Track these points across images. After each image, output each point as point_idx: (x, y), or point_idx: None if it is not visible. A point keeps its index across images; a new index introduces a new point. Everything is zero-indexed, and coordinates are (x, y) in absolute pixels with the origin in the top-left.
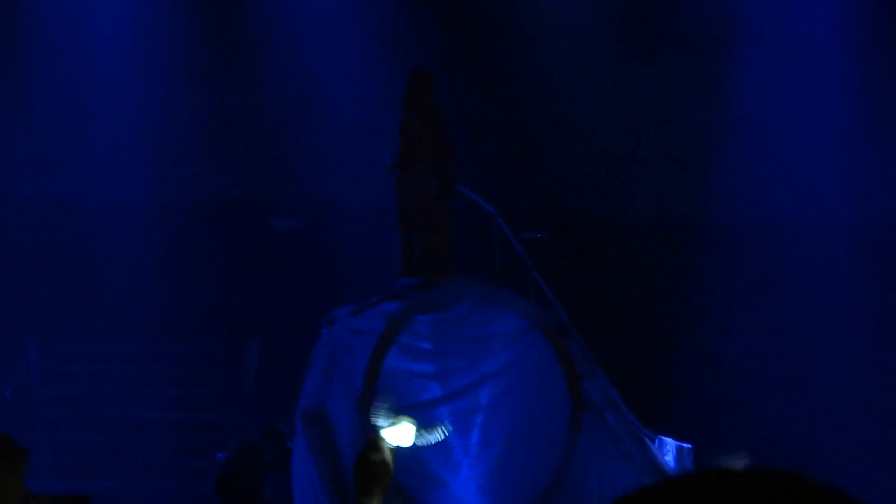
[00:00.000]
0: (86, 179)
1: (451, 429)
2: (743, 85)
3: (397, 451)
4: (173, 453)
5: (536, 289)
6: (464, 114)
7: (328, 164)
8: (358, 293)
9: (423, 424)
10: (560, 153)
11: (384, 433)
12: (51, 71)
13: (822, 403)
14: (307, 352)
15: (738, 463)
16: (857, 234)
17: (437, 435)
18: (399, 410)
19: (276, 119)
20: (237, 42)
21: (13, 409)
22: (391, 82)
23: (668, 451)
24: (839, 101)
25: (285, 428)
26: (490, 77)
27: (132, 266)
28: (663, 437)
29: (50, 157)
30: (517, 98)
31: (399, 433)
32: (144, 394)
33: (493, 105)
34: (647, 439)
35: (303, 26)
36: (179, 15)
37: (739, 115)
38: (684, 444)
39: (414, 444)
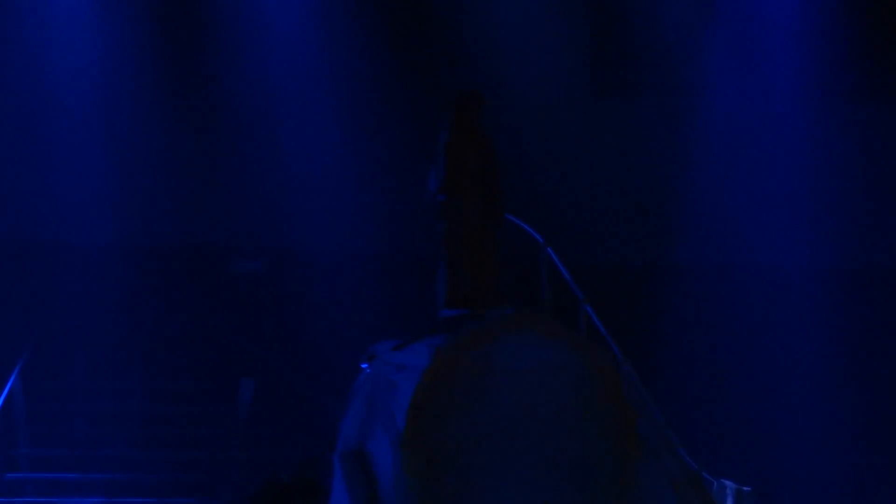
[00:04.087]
0: (53, 223)
1: None
2: (704, 129)
3: None
4: (165, 491)
5: (588, 322)
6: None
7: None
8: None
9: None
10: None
11: None
12: (12, 112)
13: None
14: (300, 389)
15: None
16: (817, 280)
17: None
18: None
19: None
20: (199, 87)
21: None
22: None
23: (728, 494)
24: (799, 146)
25: (321, 470)
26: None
27: (115, 301)
28: (723, 480)
29: (16, 199)
30: None
31: None
32: (137, 432)
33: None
34: (704, 482)
35: (266, 71)
36: (141, 57)
37: (701, 159)
38: (744, 488)
39: None
